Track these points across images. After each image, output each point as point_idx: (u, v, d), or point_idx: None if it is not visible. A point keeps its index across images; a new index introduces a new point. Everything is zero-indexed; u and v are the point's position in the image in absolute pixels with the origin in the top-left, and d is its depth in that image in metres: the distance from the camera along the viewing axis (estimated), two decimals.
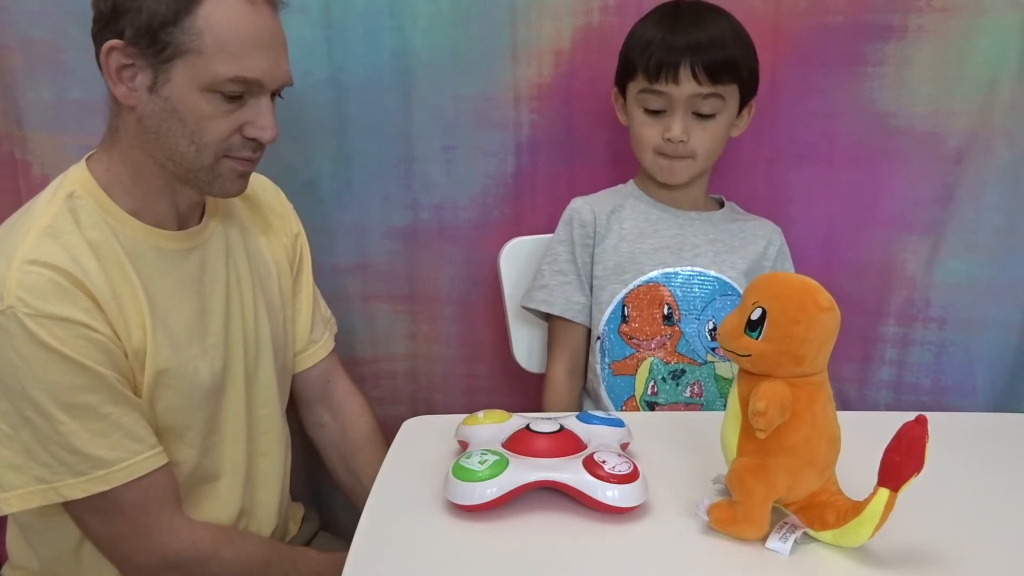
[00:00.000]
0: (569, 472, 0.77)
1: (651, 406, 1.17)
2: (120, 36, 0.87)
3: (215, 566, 0.96)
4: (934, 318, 1.31)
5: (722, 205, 1.25)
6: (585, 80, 1.26)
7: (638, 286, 1.17)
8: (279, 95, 0.96)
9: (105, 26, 0.88)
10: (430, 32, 1.24)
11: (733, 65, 1.10)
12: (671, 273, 1.17)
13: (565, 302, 1.20)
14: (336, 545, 1.19)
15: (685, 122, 1.12)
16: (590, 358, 1.21)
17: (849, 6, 1.21)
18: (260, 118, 0.92)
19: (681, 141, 1.12)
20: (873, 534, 0.70)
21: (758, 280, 0.75)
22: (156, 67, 0.87)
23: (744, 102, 1.15)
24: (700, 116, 1.12)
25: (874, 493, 0.68)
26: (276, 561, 1.02)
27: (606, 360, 1.18)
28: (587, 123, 1.29)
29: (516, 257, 1.28)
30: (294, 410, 1.19)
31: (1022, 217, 1.26)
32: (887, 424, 0.68)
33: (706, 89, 1.09)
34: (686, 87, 1.09)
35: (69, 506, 0.90)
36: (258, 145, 0.94)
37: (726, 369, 1.16)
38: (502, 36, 1.25)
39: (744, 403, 0.73)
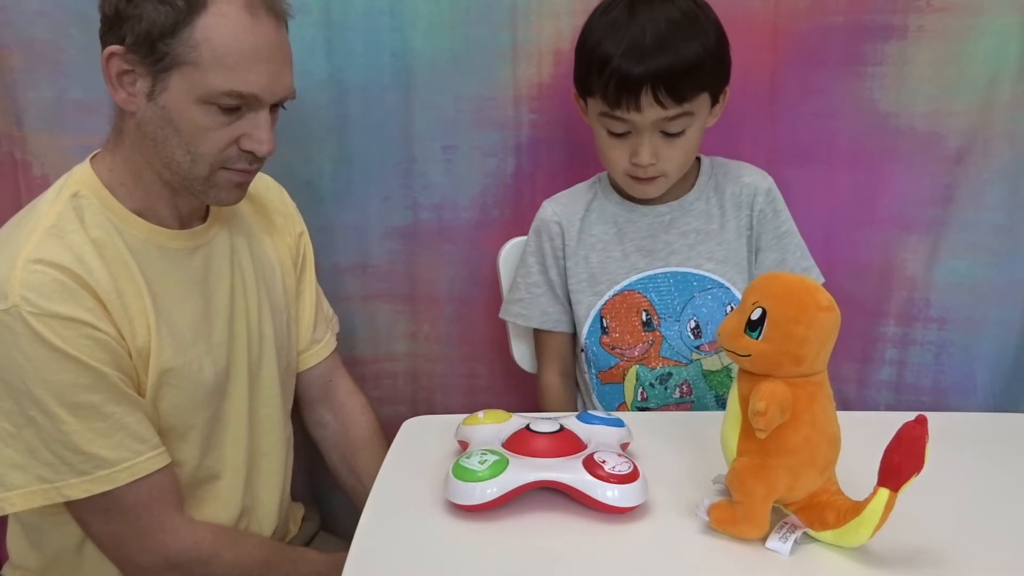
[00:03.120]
0: (569, 472, 0.77)
1: (642, 412, 1.15)
2: (121, 42, 0.87)
3: (216, 566, 0.96)
4: (934, 318, 1.31)
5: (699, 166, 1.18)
6: None
7: (613, 296, 1.15)
8: (282, 107, 0.95)
9: (108, 31, 0.88)
10: (430, 32, 1.24)
11: (697, 73, 1.02)
12: (645, 278, 1.15)
13: (541, 315, 1.19)
14: (336, 545, 1.19)
15: (652, 144, 1.05)
16: (580, 367, 1.20)
17: (849, 6, 1.21)
18: (257, 132, 0.91)
19: (651, 164, 1.06)
20: (873, 534, 0.70)
21: (758, 280, 0.75)
22: (154, 76, 0.87)
23: (716, 97, 1.08)
24: (668, 135, 1.05)
25: (874, 493, 0.68)
26: (277, 562, 1.02)
27: (593, 370, 1.17)
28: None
29: (516, 257, 1.27)
30: (296, 409, 1.19)
31: (1022, 217, 1.26)
32: (887, 424, 0.68)
33: (672, 111, 1.02)
34: (649, 113, 1.02)
35: (71, 506, 0.90)
36: (255, 157, 0.93)
37: (712, 362, 1.14)
38: (502, 36, 1.24)
39: (744, 403, 0.73)
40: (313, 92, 1.23)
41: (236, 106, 0.89)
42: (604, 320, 1.15)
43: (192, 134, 0.89)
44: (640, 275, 1.15)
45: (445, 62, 1.25)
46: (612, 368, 1.16)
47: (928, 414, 0.67)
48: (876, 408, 1.35)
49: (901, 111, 1.24)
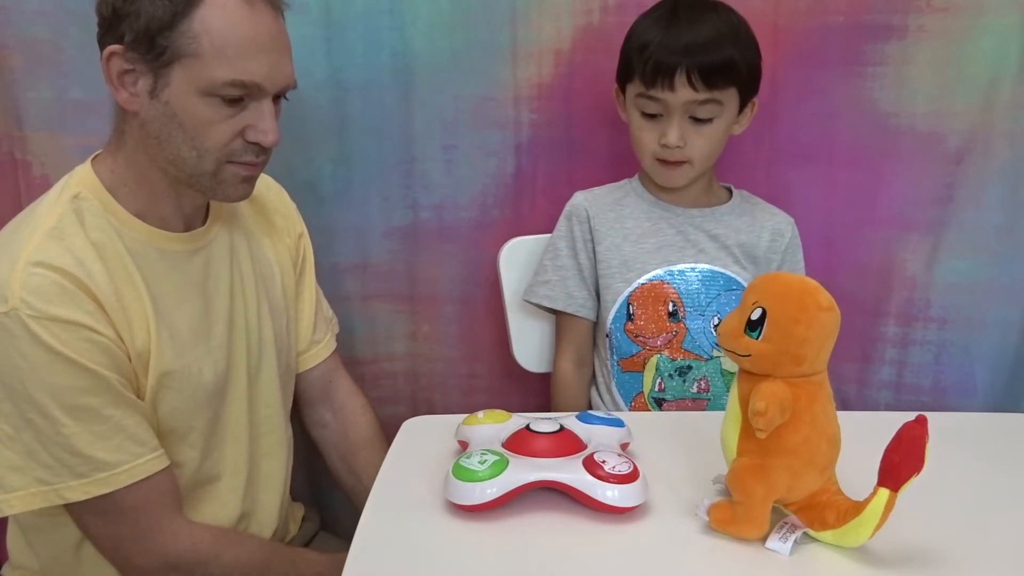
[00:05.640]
0: (569, 472, 0.77)
1: (659, 402, 1.17)
2: (120, 41, 0.87)
3: (215, 568, 0.96)
4: (934, 318, 1.31)
5: (731, 194, 1.25)
6: (585, 80, 1.26)
7: (642, 284, 1.17)
8: (284, 97, 0.95)
9: (107, 31, 0.88)
10: (430, 32, 1.24)
11: (730, 68, 1.09)
12: (675, 271, 1.17)
13: (567, 297, 1.20)
14: (336, 545, 1.19)
15: (682, 128, 1.11)
16: (601, 354, 1.21)
17: (849, 6, 1.21)
18: (261, 122, 0.91)
19: (678, 147, 1.11)
20: (873, 534, 0.70)
21: (758, 280, 0.75)
22: (155, 72, 0.87)
23: (745, 101, 1.14)
24: (697, 120, 1.11)
25: (874, 493, 0.68)
26: (276, 563, 1.02)
27: (615, 357, 1.19)
28: (587, 123, 1.29)
29: (516, 257, 1.28)
30: (295, 410, 1.19)
31: (1022, 217, 1.26)
32: (887, 424, 0.68)
33: (702, 95, 1.08)
34: (682, 94, 1.08)
35: (70, 508, 0.90)
36: (261, 149, 0.93)
37: (732, 363, 1.15)
38: (502, 36, 1.24)
39: (744, 403, 0.73)
40: (313, 92, 1.23)
41: (239, 97, 0.89)
42: (631, 307, 1.17)
43: (197, 128, 0.89)
44: (670, 267, 1.17)
45: (445, 62, 1.25)
46: (634, 356, 1.17)
47: (928, 414, 0.67)
48: (876, 408, 1.35)
49: (901, 111, 1.24)
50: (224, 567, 0.97)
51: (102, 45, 0.89)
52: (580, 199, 1.22)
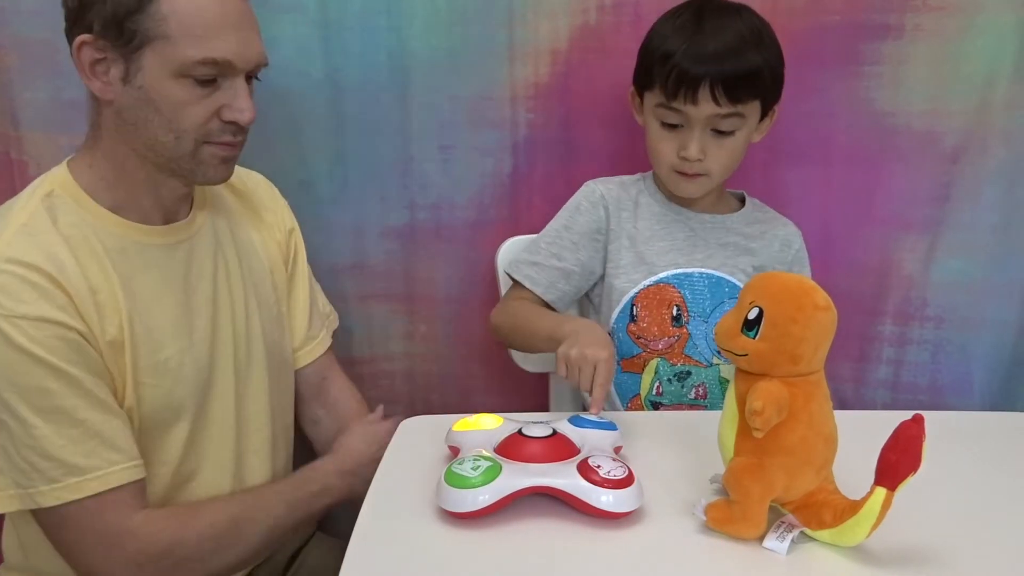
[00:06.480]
0: (563, 477, 0.77)
1: (655, 406, 1.16)
2: (89, 30, 0.87)
3: (183, 550, 0.92)
4: (931, 317, 1.31)
5: (743, 201, 1.24)
6: (582, 79, 1.26)
7: (648, 286, 1.16)
8: (256, 77, 0.95)
9: (74, 23, 0.88)
10: (427, 32, 1.24)
11: (755, 80, 1.07)
12: (682, 274, 1.16)
13: (549, 285, 1.18)
14: (333, 545, 1.19)
15: (702, 140, 1.09)
16: None
17: (846, 5, 1.21)
18: (236, 100, 0.91)
19: (697, 160, 1.10)
20: (870, 533, 0.70)
21: (755, 279, 0.75)
22: (127, 57, 0.87)
23: (766, 110, 1.12)
24: (719, 133, 1.09)
25: (871, 492, 0.68)
26: (245, 515, 0.98)
27: (616, 356, 1.17)
28: (584, 122, 1.28)
29: (513, 257, 1.28)
30: None
31: (1018, 216, 1.26)
32: (884, 423, 0.68)
33: (725, 109, 1.06)
34: (705, 108, 1.06)
35: (37, 513, 0.88)
36: (238, 128, 0.93)
37: (730, 371, 1.15)
38: (499, 36, 1.24)
39: (741, 402, 0.73)
40: (310, 91, 1.23)
41: (211, 77, 0.89)
42: (635, 308, 1.16)
43: (172, 110, 0.89)
44: (678, 270, 1.16)
45: (442, 62, 1.25)
46: (634, 357, 1.16)
47: (925, 413, 0.67)
48: (873, 407, 1.35)
49: (898, 110, 1.24)
50: (190, 546, 0.93)
51: (71, 37, 0.89)
52: (599, 193, 1.19)
